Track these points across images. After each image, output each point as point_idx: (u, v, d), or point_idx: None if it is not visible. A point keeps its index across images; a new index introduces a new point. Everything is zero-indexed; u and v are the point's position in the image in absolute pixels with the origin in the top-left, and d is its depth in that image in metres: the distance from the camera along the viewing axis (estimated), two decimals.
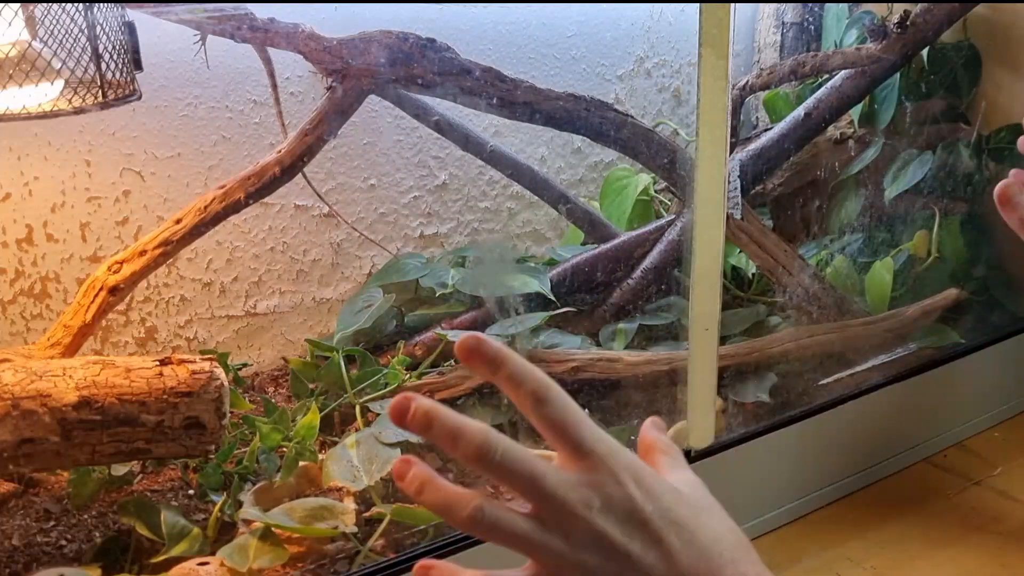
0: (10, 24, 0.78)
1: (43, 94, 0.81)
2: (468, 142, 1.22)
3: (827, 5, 1.47)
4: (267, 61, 1.10)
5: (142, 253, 0.99)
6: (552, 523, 0.43)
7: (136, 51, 0.86)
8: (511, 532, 0.43)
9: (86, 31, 0.80)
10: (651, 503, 0.44)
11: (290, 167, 1.04)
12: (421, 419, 0.43)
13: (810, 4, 1.49)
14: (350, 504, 0.92)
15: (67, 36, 0.80)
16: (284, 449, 0.99)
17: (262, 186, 1.03)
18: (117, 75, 0.84)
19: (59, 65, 0.80)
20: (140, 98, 0.88)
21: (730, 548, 0.45)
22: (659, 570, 0.43)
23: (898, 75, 1.34)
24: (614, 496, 0.44)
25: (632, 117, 1.18)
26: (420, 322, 1.20)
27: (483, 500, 0.42)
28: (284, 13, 1.01)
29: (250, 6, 0.99)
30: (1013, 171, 0.62)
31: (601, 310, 1.24)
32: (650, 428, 0.52)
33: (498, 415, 1.08)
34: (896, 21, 1.21)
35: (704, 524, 0.46)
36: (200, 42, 1.02)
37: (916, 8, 1.22)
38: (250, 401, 1.11)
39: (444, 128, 1.20)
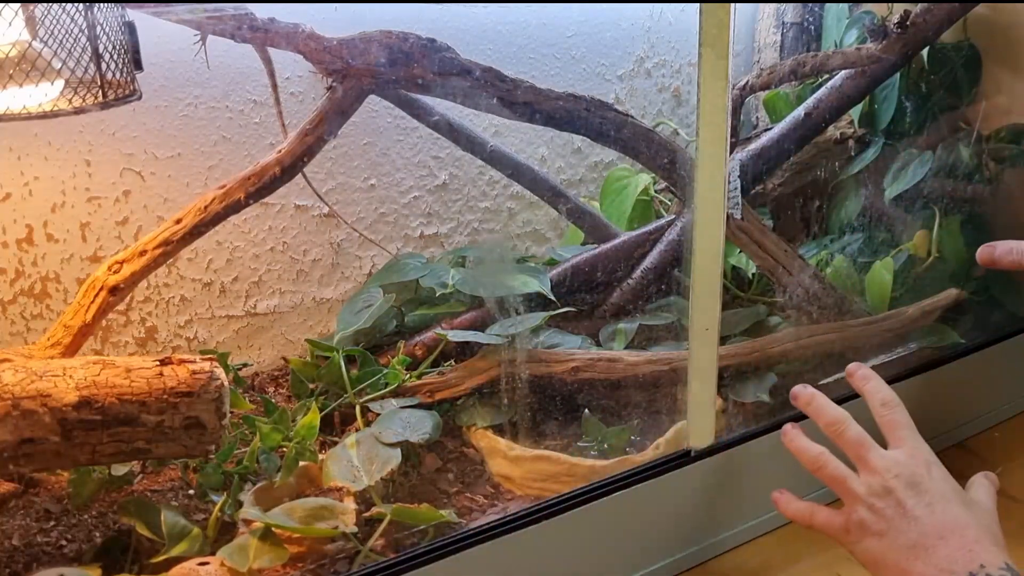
0: (10, 24, 0.78)
1: (43, 94, 0.81)
2: (468, 142, 1.22)
3: (827, 5, 1.47)
4: (267, 61, 1.10)
5: (142, 253, 0.99)
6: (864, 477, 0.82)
7: (136, 51, 0.86)
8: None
9: (86, 31, 0.80)
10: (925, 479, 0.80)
11: (290, 167, 1.04)
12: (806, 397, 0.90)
13: (810, 4, 1.49)
14: (350, 504, 0.92)
15: (67, 36, 0.80)
16: (284, 449, 0.99)
17: (262, 186, 1.03)
18: (117, 75, 0.84)
19: (59, 65, 0.80)
20: (140, 98, 0.88)
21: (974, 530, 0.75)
22: (923, 521, 0.76)
23: (898, 75, 1.34)
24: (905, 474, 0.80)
25: (632, 117, 1.18)
26: (420, 322, 1.20)
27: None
28: (284, 13, 1.01)
29: (250, 6, 0.99)
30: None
31: (601, 310, 1.24)
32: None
33: (498, 415, 1.08)
34: (896, 21, 1.21)
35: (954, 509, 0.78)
36: (200, 42, 1.02)
37: (916, 8, 1.22)
38: (250, 401, 1.11)
39: (444, 128, 1.20)
